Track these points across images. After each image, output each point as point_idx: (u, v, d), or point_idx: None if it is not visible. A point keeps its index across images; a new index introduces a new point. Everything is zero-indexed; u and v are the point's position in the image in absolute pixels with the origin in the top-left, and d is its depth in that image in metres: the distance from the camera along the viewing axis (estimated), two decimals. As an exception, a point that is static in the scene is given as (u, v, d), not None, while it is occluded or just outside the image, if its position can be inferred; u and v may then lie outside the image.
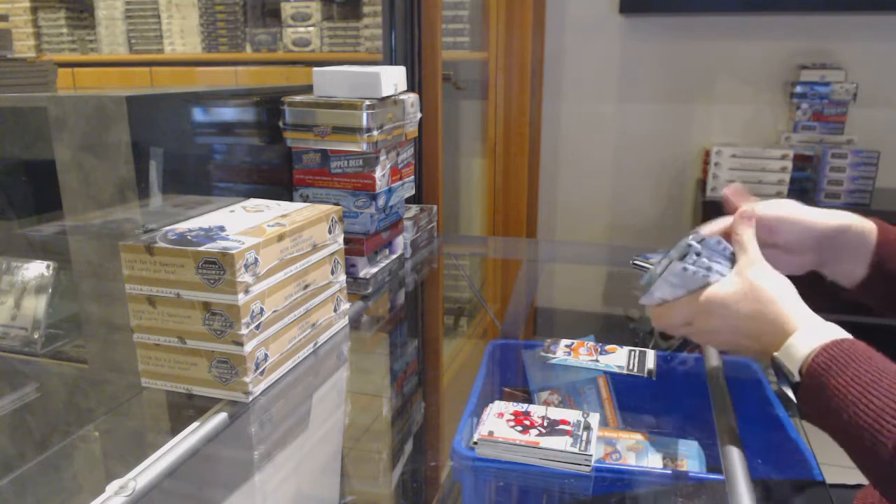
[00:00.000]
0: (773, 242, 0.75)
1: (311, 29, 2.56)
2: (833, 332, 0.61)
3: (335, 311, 0.92)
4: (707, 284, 0.70)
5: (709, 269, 0.70)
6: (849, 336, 0.61)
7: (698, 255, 0.71)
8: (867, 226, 0.75)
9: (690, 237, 0.72)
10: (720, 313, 0.68)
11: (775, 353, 0.63)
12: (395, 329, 1.19)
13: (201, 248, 0.69)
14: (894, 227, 0.76)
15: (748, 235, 0.70)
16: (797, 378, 0.61)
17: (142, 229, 0.78)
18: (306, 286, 0.83)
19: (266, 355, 0.75)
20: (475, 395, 0.91)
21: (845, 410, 0.56)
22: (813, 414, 0.60)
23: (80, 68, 2.61)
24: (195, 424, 0.69)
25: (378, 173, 1.05)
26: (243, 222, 0.80)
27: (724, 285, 0.68)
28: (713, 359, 0.91)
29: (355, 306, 1.03)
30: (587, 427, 0.77)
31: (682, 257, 0.71)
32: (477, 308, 1.55)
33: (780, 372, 0.63)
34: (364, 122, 1.01)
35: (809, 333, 0.61)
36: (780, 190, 2.22)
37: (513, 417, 0.79)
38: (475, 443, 0.76)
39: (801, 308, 0.64)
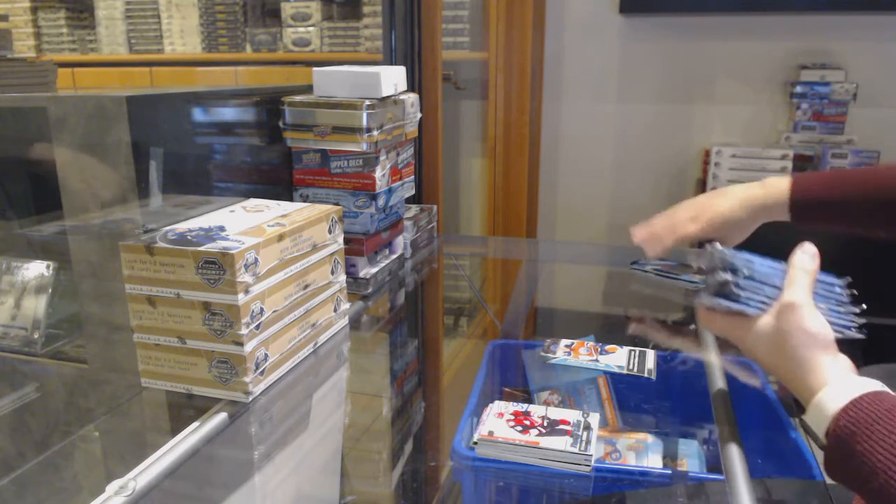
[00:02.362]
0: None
1: (311, 29, 2.55)
2: (859, 387, 0.56)
3: (335, 311, 0.92)
4: (746, 314, 0.66)
5: (750, 298, 0.66)
6: (876, 388, 0.56)
7: (747, 277, 0.66)
8: (781, 190, 0.86)
9: (745, 261, 0.67)
10: (754, 345, 0.65)
11: (803, 417, 0.60)
12: (395, 329, 1.19)
13: (201, 248, 0.69)
14: (807, 175, 0.87)
15: (804, 273, 0.65)
16: (824, 441, 0.57)
17: (142, 229, 0.78)
18: (306, 286, 0.83)
19: (266, 355, 0.75)
20: (475, 395, 0.91)
21: (875, 478, 0.52)
22: (842, 478, 0.56)
23: (80, 68, 2.61)
24: (195, 424, 0.69)
25: (378, 173, 1.05)
26: (243, 222, 0.80)
27: (761, 324, 0.64)
28: (713, 359, 0.91)
29: (355, 306, 1.03)
30: (587, 427, 0.77)
31: (734, 272, 0.66)
32: (477, 308, 1.55)
33: (810, 432, 0.60)
34: (364, 122, 1.01)
35: (835, 392, 0.57)
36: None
37: (513, 417, 0.79)
38: (475, 443, 0.76)
39: (830, 362, 0.60)
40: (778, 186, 0.87)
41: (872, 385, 0.56)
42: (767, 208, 0.87)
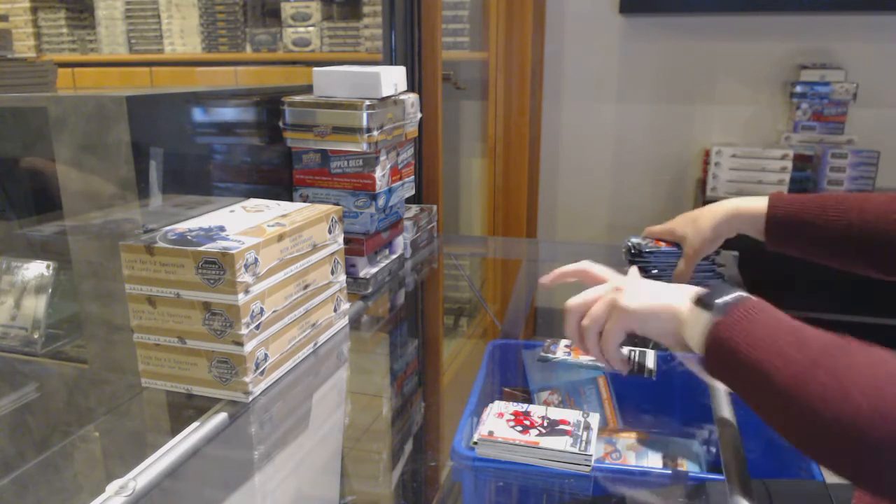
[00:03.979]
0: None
1: (311, 29, 2.55)
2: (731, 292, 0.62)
3: (335, 311, 0.92)
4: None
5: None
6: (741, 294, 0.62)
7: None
8: (758, 205, 0.91)
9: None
10: (632, 279, 0.74)
11: (683, 332, 0.64)
12: (395, 329, 1.19)
13: (201, 248, 0.69)
14: (789, 197, 0.91)
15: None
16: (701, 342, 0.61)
17: (142, 229, 0.78)
18: (306, 286, 0.83)
19: (266, 355, 0.76)
20: (475, 395, 0.91)
21: (752, 352, 0.56)
22: (719, 366, 0.60)
23: (80, 68, 2.61)
24: (195, 424, 0.69)
25: (378, 173, 1.05)
26: (243, 222, 0.80)
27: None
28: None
29: (355, 306, 1.03)
30: (587, 427, 0.77)
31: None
32: (477, 308, 1.55)
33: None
34: (364, 122, 1.01)
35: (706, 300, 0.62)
36: (781, 190, 2.22)
37: (513, 417, 0.79)
38: (475, 443, 0.76)
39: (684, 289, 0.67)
40: (760, 199, 0.93)
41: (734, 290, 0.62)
42: (742, 216, 0.93)
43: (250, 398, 0.73)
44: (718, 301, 0.60)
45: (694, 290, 0.65)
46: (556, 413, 0.80)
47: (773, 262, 1.32)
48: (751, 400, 0.57)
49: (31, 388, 0.96)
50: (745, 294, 0.61)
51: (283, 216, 0.83)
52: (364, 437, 0.89)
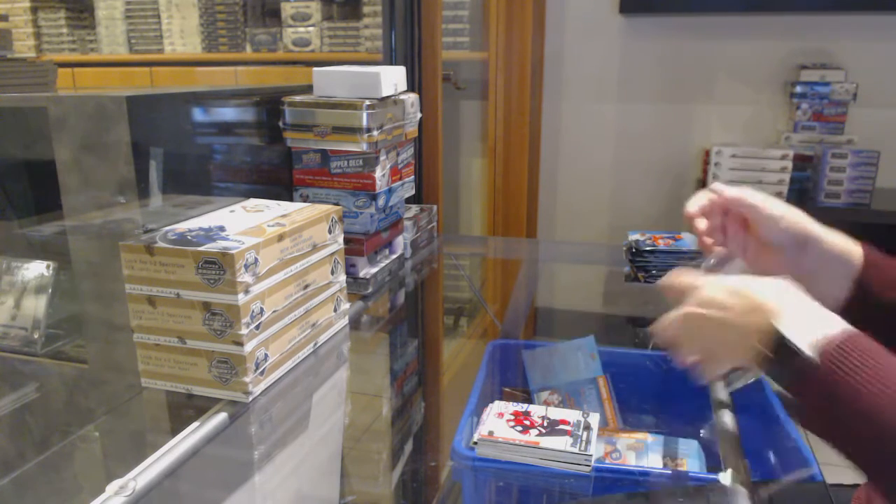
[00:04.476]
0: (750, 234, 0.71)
1: (311, 29, 2.55)
2: (832, 324, 0.53)
3: (335, 311, 0.92)
4: None
5: None
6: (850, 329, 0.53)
7: None
8: (850, 248, 0.68)
9: None
10: (724, 290, 0.59)
11: (777, 326, 0.53)
12: (395, 329, 1.19)
13: (201, 248, 0.69)
14: (879, 253, 0.68)
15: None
16: (812, 356, 0.51)
17: (142, 229, 0.78)
18: (306, 286, 0.83)
19: (266, 355, 0.75)
20: (475, 395, 0.91)
21: (860, 398, 0.48)
22: (814, 426, 0.53)
23: (80, 68, 2.61)
24: (195, 424, 0.69)
25: (378, 173, 1.05)
26: (243, 222, 0.80)
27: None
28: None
29: (355, 306, 1.03)
30: (587, 427, 0.77)
31: None
32: (477, 308, 1.55)
33: (783, 351, 0.53)
34: (364, 122, 1.01)
35: (806, 319, 0.54)
36: (780, 190, 2.22)
37: (513, 417, 0.79)
38: (475, 443, 0.76)
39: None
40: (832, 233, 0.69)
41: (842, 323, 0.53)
42: (824, 246, 0.67)
43: (250, 398, 0.73)
44: (803, 350, 0.51)
45: (771, 318, 0.54)
46: (556, 413, 0.80)
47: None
48: (853, 457, 0.51)
49: (31, 388, 0.96)
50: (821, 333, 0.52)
51: (283, 216, 0.83)
52: (364, 437, 0.89)
